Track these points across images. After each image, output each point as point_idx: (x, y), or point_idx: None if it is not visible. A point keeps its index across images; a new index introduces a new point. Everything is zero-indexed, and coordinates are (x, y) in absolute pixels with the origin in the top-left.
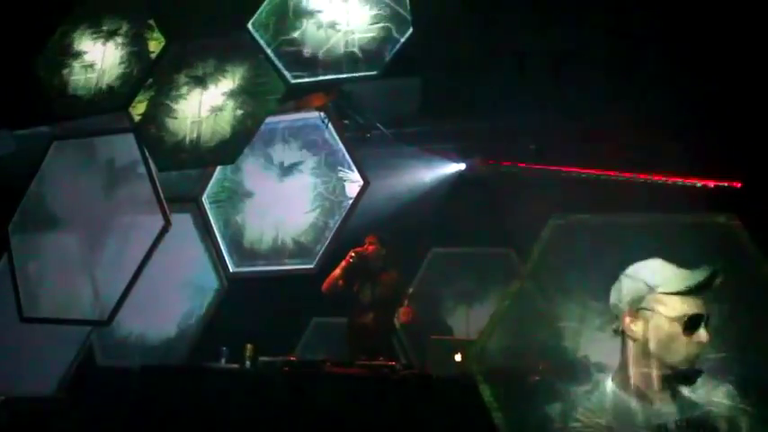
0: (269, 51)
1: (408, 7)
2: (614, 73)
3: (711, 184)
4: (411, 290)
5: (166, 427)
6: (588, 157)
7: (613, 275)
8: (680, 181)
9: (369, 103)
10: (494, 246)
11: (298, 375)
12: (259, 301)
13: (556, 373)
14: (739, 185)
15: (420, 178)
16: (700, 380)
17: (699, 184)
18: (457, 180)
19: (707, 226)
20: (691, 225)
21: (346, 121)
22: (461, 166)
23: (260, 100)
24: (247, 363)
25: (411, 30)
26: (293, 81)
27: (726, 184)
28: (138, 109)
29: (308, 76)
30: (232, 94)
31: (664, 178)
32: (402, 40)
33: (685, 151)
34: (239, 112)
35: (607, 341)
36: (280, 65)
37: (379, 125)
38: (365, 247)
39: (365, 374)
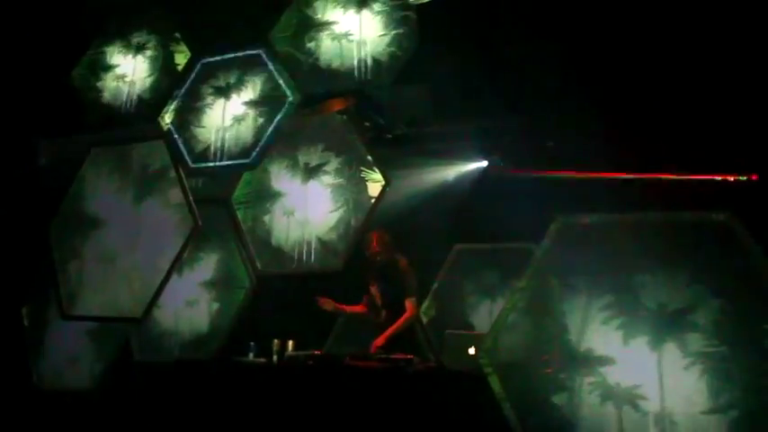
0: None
1: (416, 17)
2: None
3: (729, 177)
4: (435, 285)
5: (197, 419)
6: (597, 156)
7: (616, 272)
8: (686, 177)
9: (389, 104)
10: (516, 241)
11: (320, 369)
12: (288, 297)
13: (562, 366)
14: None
15: (442, 176)
16: None
17: (718, 179)
18: (479, 177)
19: (706, 224)
20: (690, 223)
21: (367, 123)
22: (483, 164)
23: (280, 107)
24: (275, 357)
25: (419, 38)
26: (307, 92)
27: (740, 178)
28: (167, 118)
29: (323, 86)
30: (253, 104)
31: (671, 175)
32: (412, 48)
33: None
34: (260, 120)
35: (610, 335)
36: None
37: (399, 125)
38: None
39: (383, 368)
